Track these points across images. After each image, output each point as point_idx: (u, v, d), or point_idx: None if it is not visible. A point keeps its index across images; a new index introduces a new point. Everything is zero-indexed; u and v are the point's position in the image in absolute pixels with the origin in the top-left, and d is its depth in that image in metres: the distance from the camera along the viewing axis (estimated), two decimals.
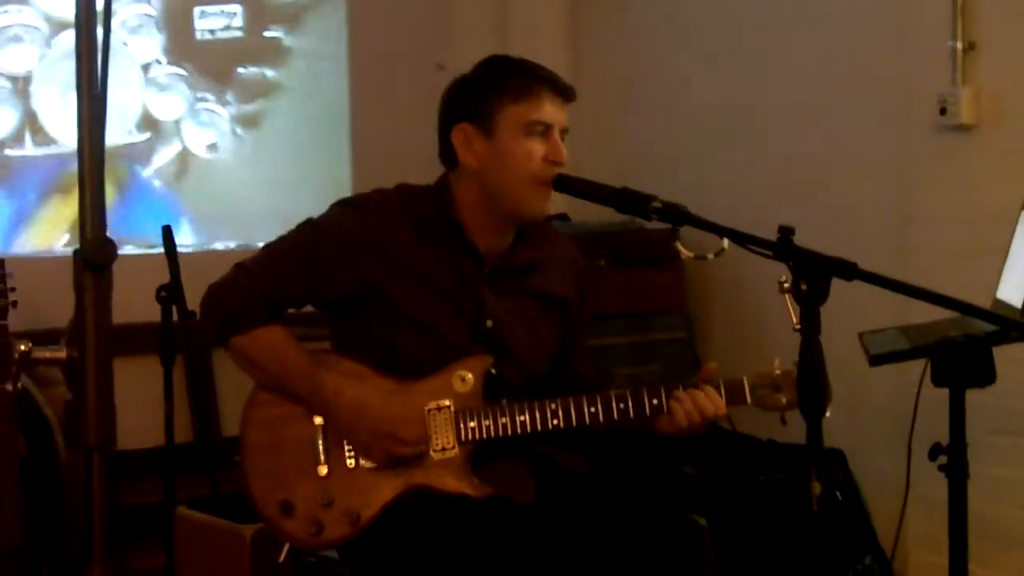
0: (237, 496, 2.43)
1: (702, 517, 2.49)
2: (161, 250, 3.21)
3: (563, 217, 4.18)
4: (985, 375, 2.33)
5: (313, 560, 2.44)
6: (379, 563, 2.29)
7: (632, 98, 4.61)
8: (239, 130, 3.93)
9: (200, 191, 3.92)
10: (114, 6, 1.52)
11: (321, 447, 2.31)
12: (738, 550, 3.34)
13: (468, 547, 2.21)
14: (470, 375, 2.33)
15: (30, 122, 3.68)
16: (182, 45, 3.90)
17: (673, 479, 3.51)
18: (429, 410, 2.30)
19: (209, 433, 4.03)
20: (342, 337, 2.43)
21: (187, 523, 3.24)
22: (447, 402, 2.31)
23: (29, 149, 3.68)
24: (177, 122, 3.91)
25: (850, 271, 1.80)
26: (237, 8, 3.94)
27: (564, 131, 2.35)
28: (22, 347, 1.58)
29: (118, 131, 3.79)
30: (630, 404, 2.29)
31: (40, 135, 3.68)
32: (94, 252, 1.50)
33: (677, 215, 2.08)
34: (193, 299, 2.72)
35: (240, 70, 3.96)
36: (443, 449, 2.30)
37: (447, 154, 2.40)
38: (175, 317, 3.13)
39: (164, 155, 3.88)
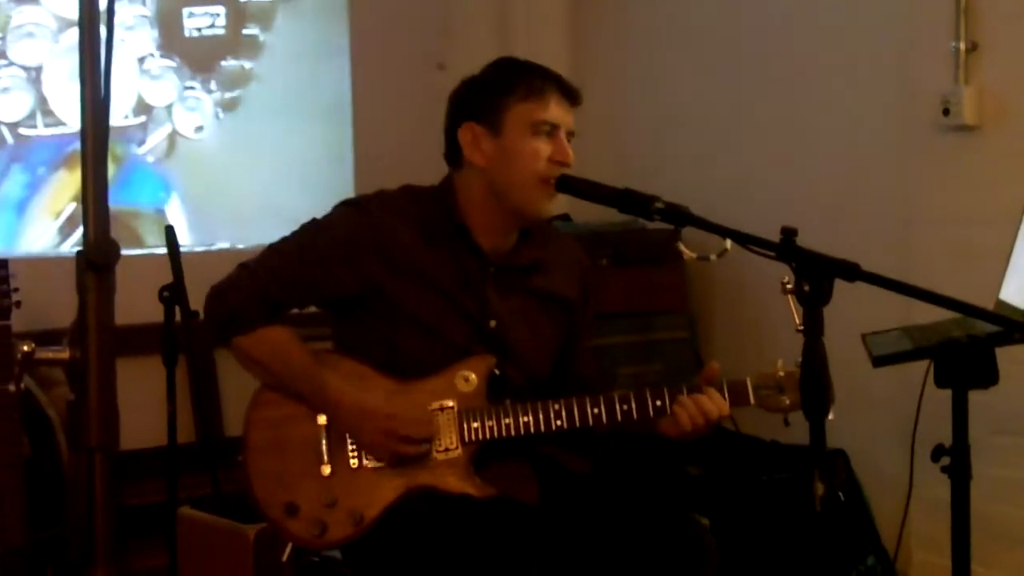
0: (240, 496, 2.42)
1: (705, 517, 2.50)
2: (164, 250, 3.21)
3: (565, 217, 4.18)
4: (988, 376, 2.33)
5: (316, 560, 2.44)
6: (382, 563, 2.29)
7: (634, 98, 4.60)
8: (221, 113, 4.52)
9: (187, 166, 4.48)
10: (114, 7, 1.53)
11: (324, 447, 2.31)
12: (741, 551, 3.34)
13: (471, 547, 2.20)
14: (473, 375, 2.33)
15: (41, 106, 4.21)
16: (172, 40, 4.43)
17: (676, 480, 3.51)
18: (433, 410, 2.31)
19: (212, 433, 4.03)
20: (344, 337, 2.43)
21: (190, 523, 3.23)
22: (450, 402, 2.31)
23: (40, 129, 4.22)
24: (168, 107, 4.44)
25: (853, 272, 1.80)
26: (220, 9, 4.51)
27: (570, 134, 2.36)
28: (25, 347, 1.57)
29: (116, 115, 4.32)
30: (633, 405, 2.29)
31: (50, 117, 4.23)
32: (97, 253, 1.51)
33: (679, 216, 2.07)
34: (196, 299, 2.72)
35: (222, 62, 4.53)
36: (446, 449, 2.30)
37: (453, 154, 2.41)
38: (178, 317, 3.13)
39: (157, 136, 4.43)
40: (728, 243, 1.94)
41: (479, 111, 2.35)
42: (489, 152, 2.34)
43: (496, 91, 2.35)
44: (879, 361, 2.50)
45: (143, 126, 4.38)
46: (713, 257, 1.96)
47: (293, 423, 2.32)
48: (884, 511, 3.58)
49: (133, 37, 4.34)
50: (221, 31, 4.50)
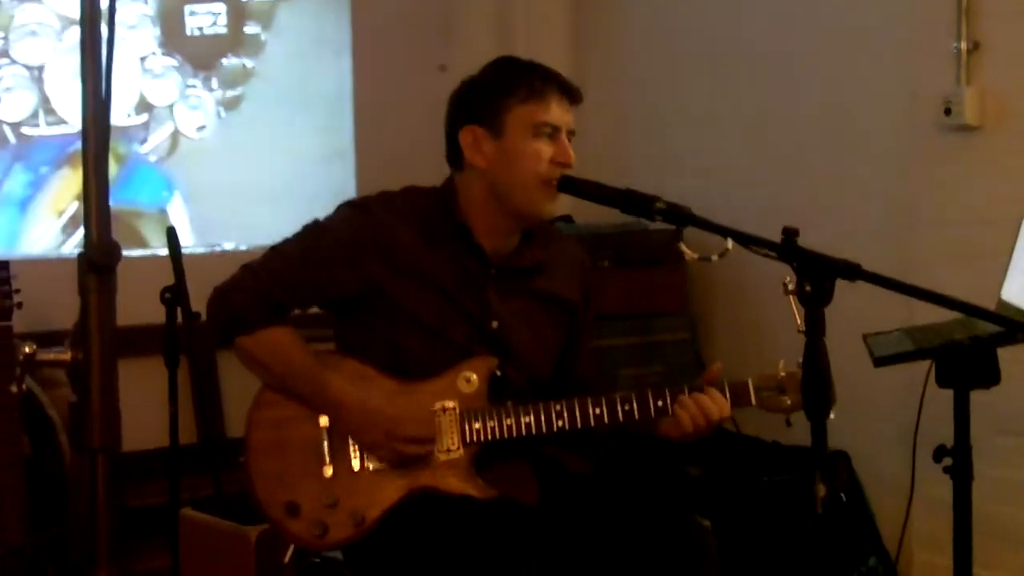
0: (242, 497, 2.42)
1: (706, 519, 2.48)
2: (165, 252, 3.21)
3: (567, 218, 4.18)
4: (989, 376, 2.33)
5: (318, 561, 2.44)
6: (384, 564, 2.29)
7: (635, 99, 4.60)
8: (222, 112, 4.54)
9: (189, 165, 4.50)
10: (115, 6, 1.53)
11: (326, 448, 2.31)
12: (742, 552, 3.34)
13: (472, 548, 2.21)
14: (475, 376, 2.33)
15: (44, 105, 4.23)
16: (174, 39, 4.46)
17: (677, 480, 3.51)
18: (434, 411, 2.31)
19: (213, 434, 4.03)
20: (346, 338, 2.43)
21: (192, 524, 3.23)
22: (452, 403, 2.31)
23: (43, 128, 4.24)
24: (170, 106, 4.46)
25: (854, 272, 1.80)
26: (221, 8, 4.53)
27: (571, 133, 2.36)
28: (27, 349, 1.57)
29: (118, 114, 4.35)
30: (635, 406, 2.29)
31: (53, 116, 4.24)
32: (98, 254, 1.51)
33: (681, 216, 2.07)
34: (197, 301, 2.72)
35: (224, 61, 4.55)
36: (448, 450, 2.30)
37: (454, 156, 2.41)
38: (179, 318, 3.13)
39: (159, 135, 4.45)
40: (729, 243, 1.94)
41: (480, 113, 2.35)
42: (490, 154, 2.34)
43: (496, 93, 2.35)
44: (880, 362, 2.50)
45: (145, 125, 4.40)
46: (714, 257, 1.96)
47: (295, 424, 2.32)
48: (886, 512, 3.58)
49: (135, 36, 4.37)
50: (223, 29, 4.52)
